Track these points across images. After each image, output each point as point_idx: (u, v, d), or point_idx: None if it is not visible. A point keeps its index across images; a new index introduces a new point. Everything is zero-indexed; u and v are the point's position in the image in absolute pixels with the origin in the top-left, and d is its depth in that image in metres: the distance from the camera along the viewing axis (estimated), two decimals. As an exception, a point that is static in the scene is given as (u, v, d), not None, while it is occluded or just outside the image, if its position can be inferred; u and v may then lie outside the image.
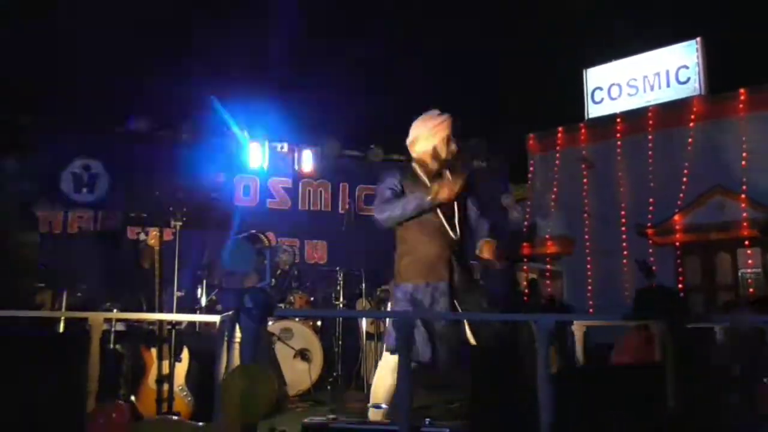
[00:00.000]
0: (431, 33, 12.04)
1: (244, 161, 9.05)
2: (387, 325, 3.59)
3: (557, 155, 10.84)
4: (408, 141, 3.77)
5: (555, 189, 10.66)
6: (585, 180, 10.39)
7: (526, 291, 10.27)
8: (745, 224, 8.51)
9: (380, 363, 3.55)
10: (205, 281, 6.37)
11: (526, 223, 10.78)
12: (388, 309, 3.56)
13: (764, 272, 8.29)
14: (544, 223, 10.64)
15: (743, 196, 8.62)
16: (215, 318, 4.03)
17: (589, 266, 9.94)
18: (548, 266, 10.56)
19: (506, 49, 12.12)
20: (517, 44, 12.15)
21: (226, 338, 2.76)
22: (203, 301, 6.39)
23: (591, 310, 9.55)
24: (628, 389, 2.65)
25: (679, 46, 10.17)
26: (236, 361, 2.58)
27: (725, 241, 8.84)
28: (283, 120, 9.35)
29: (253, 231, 6.38)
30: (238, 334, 2.57)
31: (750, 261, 8.56)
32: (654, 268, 6.49)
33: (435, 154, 3.61)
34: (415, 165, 3.69)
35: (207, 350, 4.15)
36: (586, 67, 11.13)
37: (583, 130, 10.74)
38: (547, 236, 10.51)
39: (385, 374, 3.42)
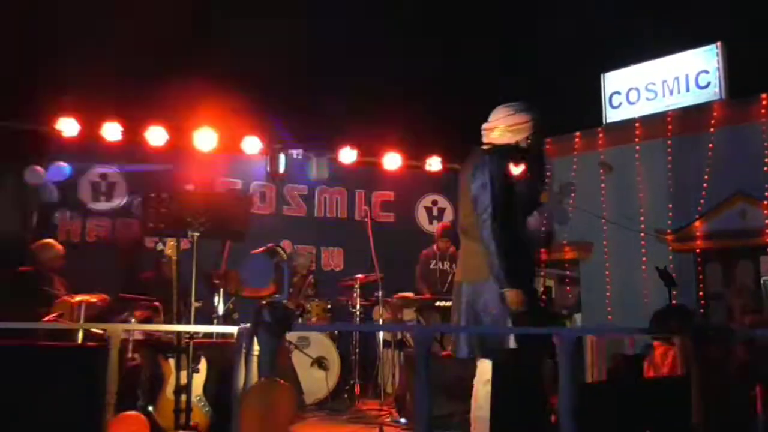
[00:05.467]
0: (448, 39, 12.00)
1: (261, 169, 9.10)
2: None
3: (575, 160, 10.75)
4: (486, 126, 3.64)
5: (573, 194, 10.57)
6: (603, 185, 10.28)
7: (543, 297, 10.18)
8: (767, 231, 8.37)
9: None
10: (222, 290, 6.39)
11: (544, 228, 10.70)
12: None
13: (788, 280, 8.14)
14: (562, 229, 10.55)
15: (765, 202, 8.48)
16: (233, 329, 4.03)
17: (607, 272, 9.83)
18: (567, 272, 10.47)
19: (524, 52, 12.06)
20: (536, 47, 12.08)
21: (243, 351, 2.74)
22: (220, 309, 6.41)
23: (610, 317, 9.45)
24: (649, 404, 2.60)
25: (699, 50, 10.04)
26: (254, 374, 2.57)
27: (747, 248, 8.70)
28: (299, 127, 9.39)
29: (271, 244, 6.39)
30: (256, 346, 2.55)
31: (773, 268, 8.41)
32: (674, 275, 6.41)
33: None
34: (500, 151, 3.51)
35: (225, 360, 4.16)
36: (604, 72, 11.05)
37: (600, 135, 10.64)
38: (564, 242, 10.42)
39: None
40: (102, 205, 8.51)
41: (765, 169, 8.60)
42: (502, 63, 12.18)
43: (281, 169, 9.10)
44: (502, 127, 3.47)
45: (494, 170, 3.30)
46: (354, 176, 9.72)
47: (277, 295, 6.33)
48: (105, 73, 8.74)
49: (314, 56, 11.02)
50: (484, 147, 3.55)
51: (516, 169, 3.32)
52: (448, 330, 3.03)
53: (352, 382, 6.66)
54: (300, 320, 6.64)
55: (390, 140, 9.87)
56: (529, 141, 3.46)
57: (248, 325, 2.69)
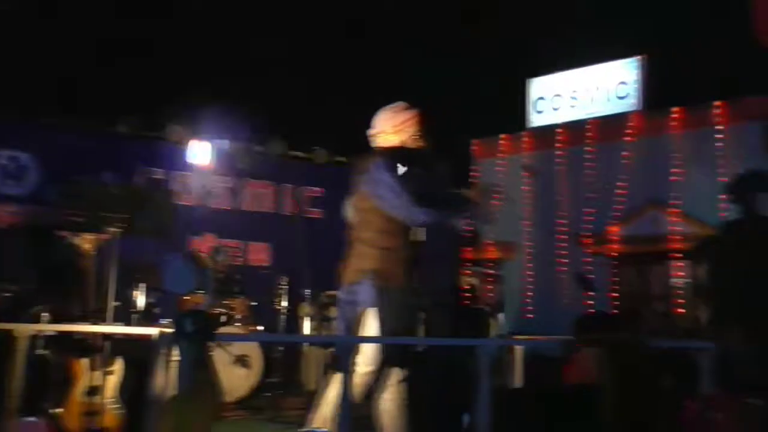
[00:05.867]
0: (379, 34, 12.02)
1: (185, 158, 8.80)
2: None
3: (501, 162, 11.03)
4: (371, 132, 3.62)
5: (498, 195, 10.82)
6: (527, 188, 10.60)
7: (466, 296, 10.40)
8: (676, 238, 8.87)
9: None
10: (142, 285, 6.17)
11: (468, 227, 10.92)
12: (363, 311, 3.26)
13: (694, 285, 8.65)
14: (487, 229, 10.81)
15: (676, 210, 8.98)
16: (153, 331, 3.90)
17: (528, 272, 10.16)
18: (490, 270, 10.73)
19: (454, 54, 12.23)
20: (465, 49, 12.27)
21: (163, 358, 2.66)
22: (140, 304, 6.20)
23: (531, 316, 9.78)
24: (562, 411, 2.70)
25: (620, 62, 10.50)
26: (173, 382, 2.49)
27: (658, 253, 9.19)
28: (227, 117, 9.16)
29: (191, 250, 6.19)
30: (175, 353, 2.48)
31: (680, 273, 8.92)
32: (592, 277, 6.71)
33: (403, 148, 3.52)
34: (388, 154, 3.51)
35: (143, 360, 4.02)
36: (531, 77, 11.38)
37: (525, 139, 10.96)
38: (489, 241, 10.69)
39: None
40: (11, 190, 8.04)
41: (676, 179, 9.10)
42: (429, 61, 12.30)
43: (207, 159, 8.85)
44: (386, 130, 3.47)
45: (384, 178, 3.30)
46: (282, 170, 9.59)
47: (200, 303, 6.16)
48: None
49: (243, 44, 10.81)
50: (372, 155, 3.55)
51: (402, 170, 3.34)
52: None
53: (275, 379, 6.59)
54: (224, 326, 6.50)
55: (322, 133, 9.81)
56: (417, 138, 3.46)
57: (169, 330, 2.62)
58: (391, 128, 3.50)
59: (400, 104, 3.61)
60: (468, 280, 10.66)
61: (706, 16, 11.27)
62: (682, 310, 8.55)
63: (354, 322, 3.26)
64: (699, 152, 9.04)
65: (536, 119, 11.13)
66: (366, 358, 3.12)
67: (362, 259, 3.32)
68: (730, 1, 8.96)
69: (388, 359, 3.11)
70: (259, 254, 9.31)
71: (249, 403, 6.15)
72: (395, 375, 3.15)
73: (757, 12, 8.60)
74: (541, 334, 8.01)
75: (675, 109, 9.60)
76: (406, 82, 11.39)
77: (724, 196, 6.79)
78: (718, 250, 4.46)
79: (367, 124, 3.73)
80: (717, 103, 9.27)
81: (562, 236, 9.92)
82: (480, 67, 12.35)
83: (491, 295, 10.63)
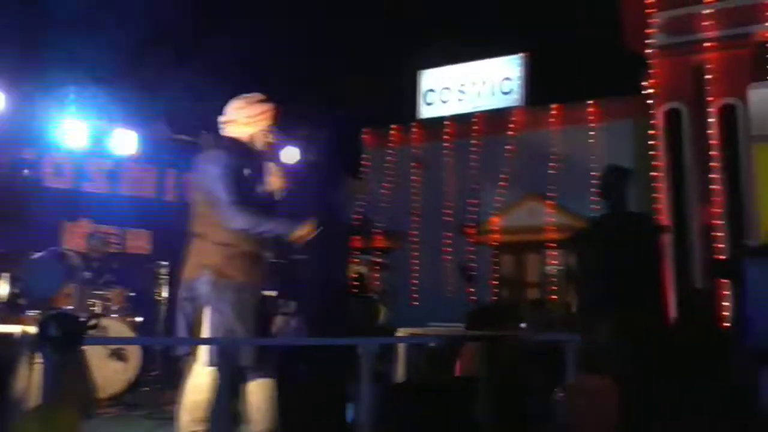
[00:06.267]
0: (269, 23, 11.77)
1: (58, 138, 8.18)
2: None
3: (391, 152, 11.17)
4: (222, 119, 3.46)
5: (387, 185, 10.98)
6: (416, 178, 10.82)
7: (355, 284, 10.49)
8: (552, 228, 9.39)
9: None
10: (5, 275, 5.68)
11: (358, 216, 11.00)
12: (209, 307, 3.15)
13: (566, 272, 9.22)
14: (376, 218, 10.94)
15: (552, 202, 9.50)
16: (15, 328, 3.62)
17: (415, 261, 10.39)
18: (378, 259, 10.88)
19: (345, 44, 12.21)
20: (357, 40, 12.28)
21: (26, 362, 2.47)
22: (2, 292, 5.71)
23: (416, 303, 10.01)
24: (443, 404, 2.78)
25: (505, 59, 10.91)
26: (35, 387, 2.32)
27: (534, 243, 9.70)
28: (107, 96, 8.60)
29: (56, 248, 5.75)
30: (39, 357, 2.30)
31: (554, 261, 9.47)
32: (473, 266, 6.99)
33: (250, 142, 3.41)
34: (231, 146, 3.40)
35: (3, 358, 3.72)
36: (422, 69, 11.59)
37: (415, 130, 11.16)
38: (377, 230, 10.82)
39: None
40: None
41: (554, 172, 9.63)
42: (327, 52, 12.22)
43: (82, 139, 8.27)
44: (238, 120, 3.38)
45: (217, 171, 3.20)
46: (166, 154, 9.16)
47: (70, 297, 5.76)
48: None
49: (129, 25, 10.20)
50: (218, 142, 3.46)
51: (247, 170, 3.29)
52: (263, 343, 2.96)
53: (154, 373, 6.32)
54: (94, 328, 6.11)
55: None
56: (267, 133, 3.40)
57: (32, 329, 2.43)
58: (244, 118, 3.37)
59: (257, 95, 3.49)
60: (357, 269, 10.75)
61: (583, 20, 11.95)
62: (555, 297, 9.10)
63: (194, 319, 3.16)
64: (574, 148, 9.59)
65: (426, 111, 11.36)
66: (203, 358, 3.05)
67: (200, 255, 3.18)
68: (603, 7, 9.58)
69: (237, 357, 3.04)
70: (139, 242, 8.86)
71: (125, 398, 5.86)
72: (255, 371, 3.09)
73: (624, 19, 9.27)
74: (426, 321, 8.27)
75: (554, 106, 10.13)
76: (293, 72, 11.26)
77: (594, 191, 7.28)
78: (586, 243, 4.76)
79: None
80: (590, 101, 9.87)
81: (448, 226, 10.22)
82: (373, 58, 12.43)
83: (379, 283, 10.80)
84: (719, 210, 7.61)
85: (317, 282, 7.62)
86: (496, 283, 9.81)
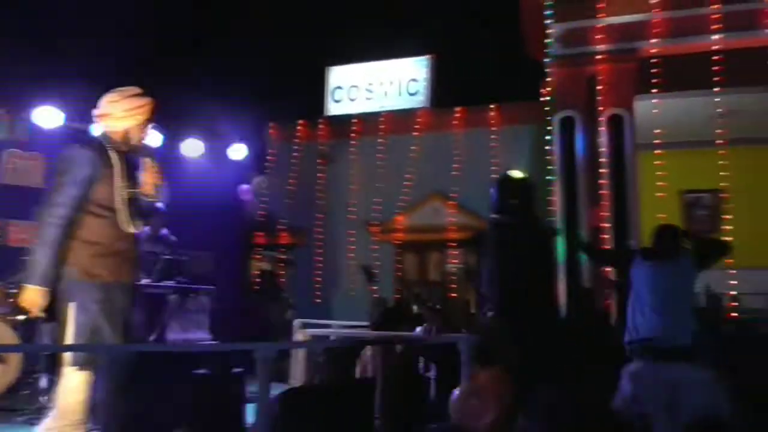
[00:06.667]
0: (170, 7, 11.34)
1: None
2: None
3: (297, 148, 11.07)
4: (97, 112, 3.27)
5: (293, 180, 10.88)
6: (321, 174, 10.78)
7: (258, 281, 10.33)
8: (454, 228, 9.64)
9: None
10: None
11: (262, 212, 10.82)
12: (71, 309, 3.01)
13: (466, 271, 9.49)
14: (281, 214, 10.81)
15: (454, 203, 9.76)
16: None
17: (318, 258, 10.36)
18: (282, 255, 10.77)
19: (251, 36, 11.98)
20: (265, 33, 12.09)
21: None
22: None
23: (319, 301, 9.98)
24: (336, 406, 2.79)
25: (412, 59, 11.08)
26: None
27: (436, 242, 9.93)
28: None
29: None
30: None
31: (455, 260, 9.73)
32: (375, 272, 7.07)
33: (125, 137, 3.28)
34: (103, 141, 3.24)
35: None
36: (330, 65, 11.56)
37: (322, 126, 11.11)
38: (282, 226, 10.69)
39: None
40: None
41: (456, 174, 9.88)
42: (233, 44, 11.94)
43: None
44: (114, 114, 3.27)
45: (68, 167, 3.09)
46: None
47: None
48: None
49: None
50: (81, 137, 3.38)
51: (104, 170, 3.17)
52: (138, 348, 2.85)
53: (36, 375, 5.94)
54: None
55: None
56: (144, 128, 3.31)
57: None
58: (119, 112, 3.24)
59: (134, 89, 3.37)
60: (260, 266, 10.59)
61: (488, 26, 12.35)
62: (455, 294, 9.36)
63: (61, 318, 3.05)
64: (476, 150, 9.88)
65: (334, 108, 11.34)
66: (70, 359, 2.95)
67: (64, 252, 3.07)
68: (508, 15, 9.93)
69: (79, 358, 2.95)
70: (22, 234, 8.30)
71: (4, 402, 5.48)
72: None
73: (525, 28, 9.66)
74: (329, 319, 8.27)
75: (458, 108, 10.39)
76: (202, 62, 10.93)
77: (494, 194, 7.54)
78: (485, 245, 4.93)
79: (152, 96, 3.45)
80: (492, 106, 10.21)
81: (352, 224, 10.26)
82: (282, 52, 12.26)
83: (284, 280, 10.69)
84: (606, 213, 8.08)
85: (222, 278, 7.44)
86: (400, 281, 9.95)
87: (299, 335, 4.68)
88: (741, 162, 9.00)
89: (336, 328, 6.58)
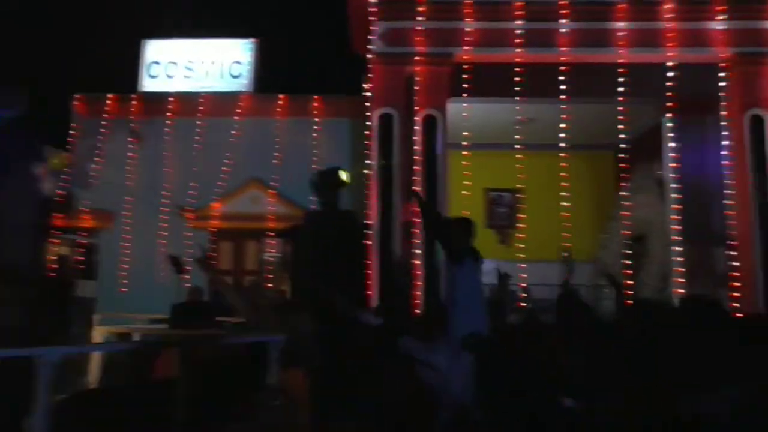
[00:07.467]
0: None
1: None
2: None
3: (106, 123, 10.25)
4: None
5: (100, 159, 10.07)
6: (132, 154, 10.09)
7: (55, 267, 9.45)
8: (272, 216, 9.57)
9: None
10: None
11: (61, 192, 9.88)
12: None
13: (282, 260, 9.47)
14: (84, 194, 9.96)
15: (273, 191, 9.67)
16: None
17: (126, 244, 9.71)
18: (83, 240, 9.95)
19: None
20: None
21: None
22: None
23: (124, 289, 9.37)
24: (127, 411, 2.65)
25: (236, 41, 10.75)
26: None
27: (254, 230, 9.78)
28: None
29: None
30: None
31: (272, 249, 9.67)
32: (183, 262, 6.76)
33: None
34: None
35: None
36: (147, 38, 10.83)
37: (135, 102, 10.40)
38: (84, 209, 9.87)
39: None
40: None
41: (277, 162, 9.78)
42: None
43: None
44: None
45: None
46: None
47: None
48: None
49: None
50: None
51: None
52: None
53: None
54: None
55: None
56: None
57: None
58: None
59: None
60: (57, 250, 9.68)
61: (317, 16, 12.36)
62: (271, 285, 9.31)
63: None
64: (298, 139, 9.87)
65: (149, 84, 10.66)
66: None
67: None
68: (335, 7, 10.03)
69: None
70: None
71: None
72: None
73: (351, 23, 9.83)
74: (135, 310, 7.81)
75: (281, 95, 10.28)
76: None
77: (312, 186, 7.61)
78: (297, 237, 4.97)
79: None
80: (315, 96, 10.25)
81: (165, 209, 9.75)
82: (93, 20, 11.25)
83: (83, 267, 9.89)
84: (419, 208, 8.51)
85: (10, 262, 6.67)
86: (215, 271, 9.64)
87: (96, 332, 4.36)
88: (535, 165, 9.99)
89: (142, 323, 6.23)
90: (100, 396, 2.89)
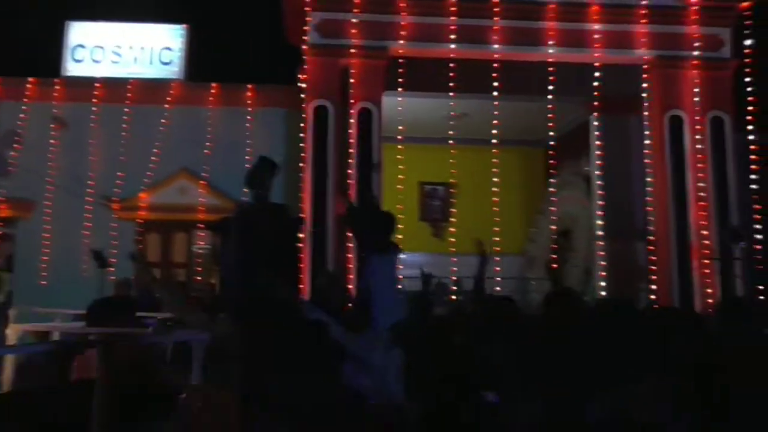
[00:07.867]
0: None
1: None
2: None
3: (26, 108, 9.76)
4: None
5: (17, 146, 9.59)
6: (54, 141, 9.66)
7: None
8: (202, 208, 9.36)
9: None
10: None
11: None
12: None
13: (212, 253, 9.29)
14: (1, 182, 9.48)
15: (204, 182, 9.46)
16: None
17: (47, 234, 9.30)
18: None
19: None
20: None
21: None
22: None
23: (45, 283, 8.99)
24: (38, 416, 2.55)
25: (166, 27, 10.42)
26: None
27: (183, 222, 9.56)
28: None
29: None
30: None
31: (202, 242, 9.47)
32: (112, 260, 6.57)
33: None
34: None
35: None
36: (71, 19, 10.36)
37: (58, 87, 9.94)
38: (1, 197, 9.39)
39: None
40: None
41: (207, 152, 9.55)
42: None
43: None
44: None
45: None
46: None
47: None
48: None
49: None
50: None
51: None
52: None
53: None
54: None
55: None
56: None
57: None
58: None
59: None
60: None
61: (251, 4, 12.14)
62: (200, 278, 9.13)
63: None
64: (230, 129, 9.67)
65: (73, 68, 10.20)
66: None
67: None
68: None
69: None
70: None
71: None
72: None
73: (286, 12, 9.69)
74: (56, 304, 7.49)
75: (214, 84, 10.05)
76: None
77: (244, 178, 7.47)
78: (228, 230, 4.87)
79: None
80: (249, 86, 10.06)
81: (90, 198, 9.38)
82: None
83: (-1, 258, 9.43)
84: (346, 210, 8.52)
85: None
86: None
87: (10, 331, 4.16)
88: (467, 160, 10.15)
89: (63, 320, 6.00)
90: (12, 400, 2.77)
